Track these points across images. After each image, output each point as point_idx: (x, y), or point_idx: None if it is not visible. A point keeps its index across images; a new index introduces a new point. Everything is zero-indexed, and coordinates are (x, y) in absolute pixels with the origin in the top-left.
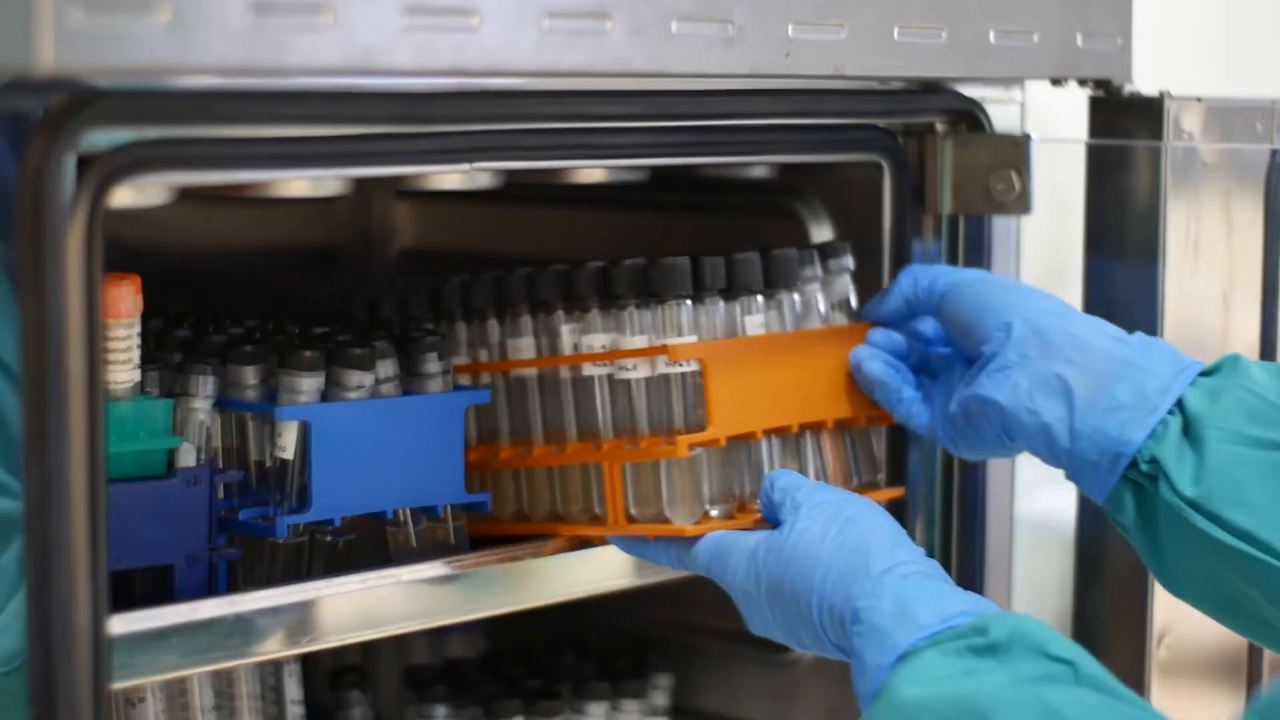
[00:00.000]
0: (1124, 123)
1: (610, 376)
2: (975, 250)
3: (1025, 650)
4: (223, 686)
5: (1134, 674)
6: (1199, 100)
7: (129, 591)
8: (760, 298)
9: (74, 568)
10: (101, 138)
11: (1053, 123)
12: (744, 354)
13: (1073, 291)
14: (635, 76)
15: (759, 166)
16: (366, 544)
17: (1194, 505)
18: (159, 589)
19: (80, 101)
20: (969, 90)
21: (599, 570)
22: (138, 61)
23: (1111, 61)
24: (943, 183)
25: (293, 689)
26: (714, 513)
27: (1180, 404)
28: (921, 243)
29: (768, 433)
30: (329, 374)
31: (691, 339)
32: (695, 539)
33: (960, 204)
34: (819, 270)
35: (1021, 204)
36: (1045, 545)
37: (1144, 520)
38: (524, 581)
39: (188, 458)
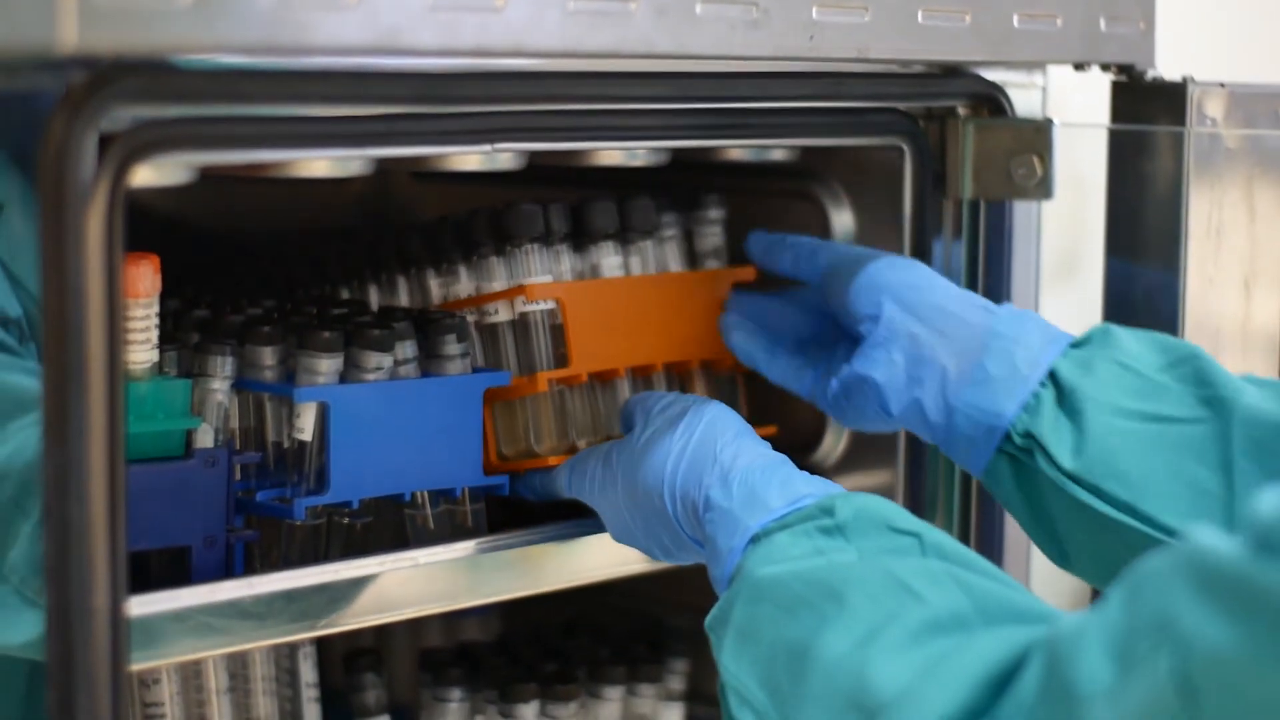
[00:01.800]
0: (1146, 108)
1: (478, 323)
2: (995, 235)
3: (871, 527)
4: (237, 668)
5: None
6: (1222, 86)
7: (146, 573)
8: (614, 242)
9: (93, 549)
10: (123, 115)
11: (1074, 107)
12: (603, 294)
13: (1093, 278)
14: (658, 58)
15: (779, 150)
16: (384, 526)
17: (1074, 478)
18: (176, 570)
19: (102, 79)
20: (991, 74)
21: (615, 554)
22: (161, 39)
23: (1134, 46)
24: (963, 167)
25: (307, 671)
26: (581, 445)
27: (1053, 376)
28: (941, 227)
29: (632, 372)
30: (348, 355)
31: (546, 278)
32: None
33: (981, 189)
34: (684, 219)
35: (1043, 189)
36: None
37: (1023, 494)
38: (540, 565)
39: (205, 439)
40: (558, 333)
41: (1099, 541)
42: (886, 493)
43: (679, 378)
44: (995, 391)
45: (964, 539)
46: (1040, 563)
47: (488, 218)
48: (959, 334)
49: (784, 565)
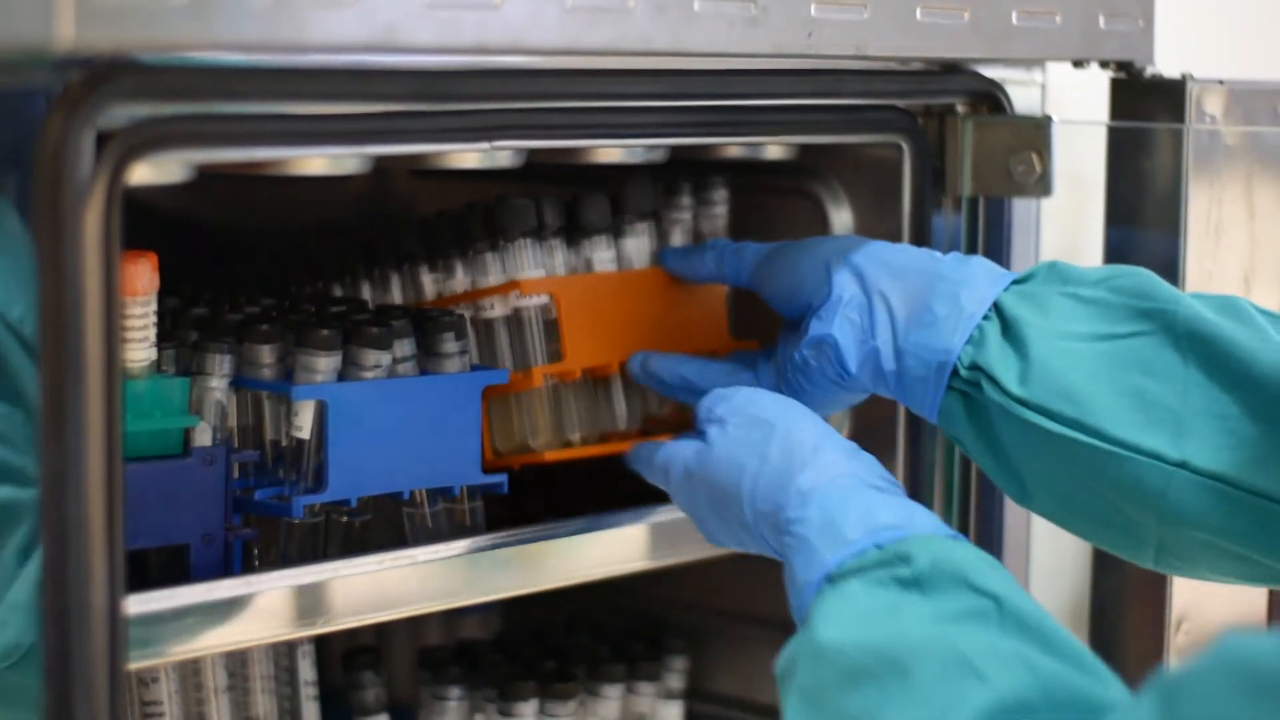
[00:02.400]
0: (1145, 105)
1: (474, 318)
2: (995, 232)
3: (949, 582)
4: (236, 667)
5: (1152, 660)
6: (1221, 83)
7: (144, 571)
8: (607, 236)
9: (90, 547)
10: (121, 114)
11: (1073, 105)
12: (597, 288)
13: None
14: (657, 55)
15: (778, 147)
16: (382, 525)
17: (1022, 402)
18: (174, 569)
19: (100, 77)
20: (990, 71)
21: (614, 552)
22: (159, 37)
23: (1133, 43)
24: (963, 164)
25: (306, 670)
26: (575, 439)
27: (998, 309)
28: (941, 225)
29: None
30: (346, 353)
31: (540, 273)
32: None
33: (980, 186)
34: (690, 200)
35: (1042, 186)
36: (1063, 530)
37: (977, 429)
38: (539, 563)
39: (204, 437)
40: (552, 328)
41: (1053, 466)
42: None
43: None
44: (942, 330)
45: (963, 527)
46: (1039, 556)
47: (481, 211)
48: (907, 283)
49: (849, 631)
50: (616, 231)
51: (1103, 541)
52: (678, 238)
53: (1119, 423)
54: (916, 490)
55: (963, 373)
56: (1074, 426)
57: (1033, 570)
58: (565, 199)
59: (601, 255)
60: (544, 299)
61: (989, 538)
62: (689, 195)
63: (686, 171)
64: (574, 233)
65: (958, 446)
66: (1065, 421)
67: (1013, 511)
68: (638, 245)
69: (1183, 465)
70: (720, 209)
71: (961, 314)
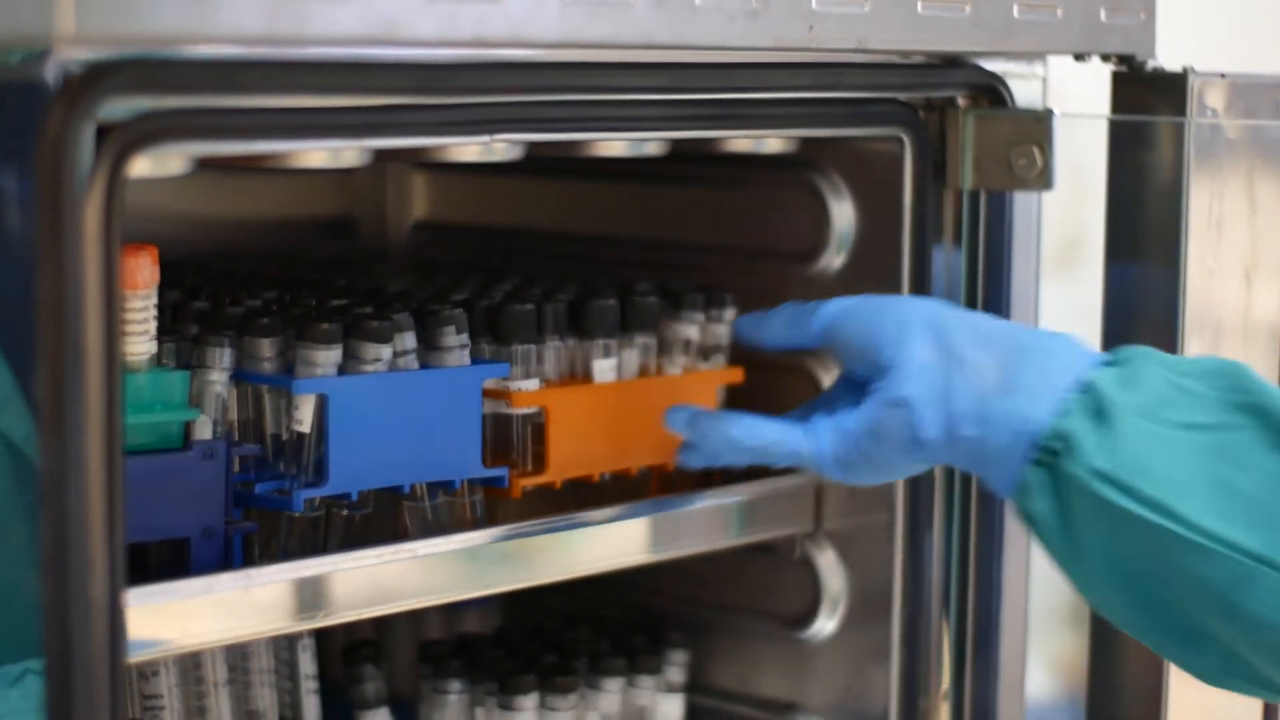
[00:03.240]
0: (1147, 99)
1: None
2: (996, 226)
3: None
4: (236, 660)
5: (1152, 673)
6: (1223, 76)
7: (144, 565)
8: (611, 342)
9: (90, 541)
10: (121, 107)
11: (1074, 98)
12: (589, 400)
13: (1093, 269)
14: (657, 49)
15: (778, 140)
16: (383, 518)
17: (1104, 476)
18: (174, 562)
19: (100, 70)
20: (991, 65)
21: (614, 546)
22: (159, 30)
23: (1135, 37)
24: (964, 158)
25: (306, 663)
26: None
27: (1090, 386)
28: (941, 218)
29: (611, 475)
30: (347, 347)
31: (534, 382)
32: None
33: (981, 179)
34: (699, 315)
35: (1043, 180)
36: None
37: (1054, 503)
38: (539, 557)
39: (204, 430)
40: (537, 430)
41: (1126, 551)
42: (884, 497)
43: (659, 480)
44: (1030, 398)
45: (964, 543)
46: (1040, 569)
47: (483, 314)
48: (990, 351)
49: None
50: (620, 343)
51: (1167, 642)
52: (679, 351)
53: (1203, 509)
54: (916, 507)
55: (1047, 443)
56: (1154, 507)
57: (1033, 586)
58: (570, 300)
59: (602, 365)
60: (534, 408)
61: (989, 554)
62: (699, 310)
63: (696, 285)
64: (578, 332)
65: (1029, 530)
66: (1145, 501)
67: (1013, 527)
68: (636, 356)
69: (1268, 563)
70: (726, 328)
71: (1049, 385)
